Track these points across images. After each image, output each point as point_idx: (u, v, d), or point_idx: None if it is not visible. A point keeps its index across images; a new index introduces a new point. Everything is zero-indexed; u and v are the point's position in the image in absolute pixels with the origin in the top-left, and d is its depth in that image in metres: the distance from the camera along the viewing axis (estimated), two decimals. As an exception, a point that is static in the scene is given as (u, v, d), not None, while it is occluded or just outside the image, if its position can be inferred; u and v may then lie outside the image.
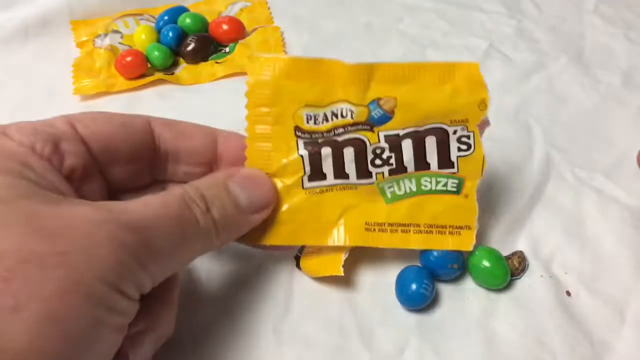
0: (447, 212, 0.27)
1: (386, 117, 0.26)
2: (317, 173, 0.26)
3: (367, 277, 0.28)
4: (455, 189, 0.27)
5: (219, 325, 0.26)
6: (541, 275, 0.28)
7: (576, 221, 0.30)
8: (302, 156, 0.26)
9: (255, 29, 0.44)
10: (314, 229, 0.27)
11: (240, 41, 0.43)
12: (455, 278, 0.28)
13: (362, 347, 0.26)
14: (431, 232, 0.27)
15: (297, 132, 0.26)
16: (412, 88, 0.26)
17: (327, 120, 0.26)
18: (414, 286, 0.26)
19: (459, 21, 0.45)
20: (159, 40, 0.42)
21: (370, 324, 0.26)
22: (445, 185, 0.27)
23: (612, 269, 0.28)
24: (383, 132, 0.26)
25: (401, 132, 0.26)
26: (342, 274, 0.26)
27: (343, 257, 0.26)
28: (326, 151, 0.26)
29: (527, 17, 0.45)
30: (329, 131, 0.26)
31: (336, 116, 0.26)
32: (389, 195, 0.27)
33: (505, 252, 0.28)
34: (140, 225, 0.20)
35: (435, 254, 0.27)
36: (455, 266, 0.27)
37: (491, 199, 0.31)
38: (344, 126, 0.26)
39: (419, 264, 0.28)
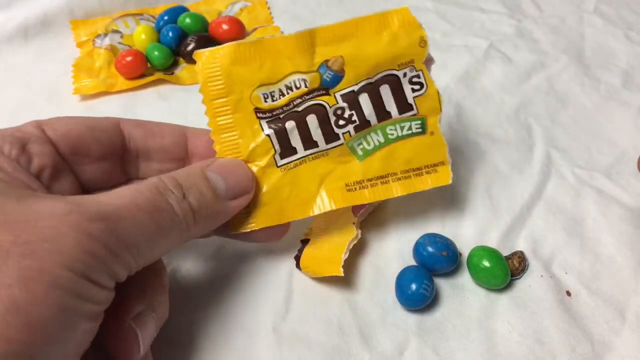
0: (419, 154, 0.28)
1: (338, 77, 0.27)
2: (287, 148, 0.27)
3: (367, 277, 0.28)
4: (420, 130, 0.28)
5: (219, 325, 0.26)
6: (541, 275, 0.28)
7: (576, 221, 0.30)
8: (268, 135, 0.26)
9: (255, 29, 0.44)
10: (297, 203, 0.27)
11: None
12: (456, 278, 0.28)
13: (362, 347, 0.26)
14: (409, 176, 0.28)
15: (257, 114, 0.26)
16: (354, 43, 0.27)
17: (283, 94, 0.26)
18: (414, 286, 0.26)
19: (459, 21, 0.45)
20: (159, 40, 0.42)
21: (370, 324, 0.26)
22: (410, 128, 0.27)
23: (612, 269, 0.28)
24: (339, 92, 0.27)
25: (356, 88, 0.27)
26: (342, 274, 0.26)
27: (343, 257, 0.27)
28: (290, 124, 0.26)
29: (527, 17, 0.45)
30: (287, 104, 0.27)
31: (291, 89, 0.26)
32: (360, 153, 0.27)
33: (505, 252, 0.28)
34: (110, 215, 0.20)
35: (426, 246, 0.27)
36: (444, 253, 0.27)
37: (491, 199, 0.31)
38: (300, 96, 0.27)
39: (415, 262, 0.28)
